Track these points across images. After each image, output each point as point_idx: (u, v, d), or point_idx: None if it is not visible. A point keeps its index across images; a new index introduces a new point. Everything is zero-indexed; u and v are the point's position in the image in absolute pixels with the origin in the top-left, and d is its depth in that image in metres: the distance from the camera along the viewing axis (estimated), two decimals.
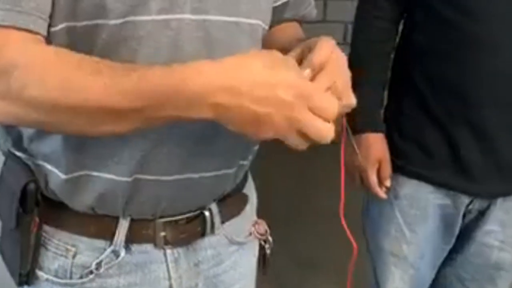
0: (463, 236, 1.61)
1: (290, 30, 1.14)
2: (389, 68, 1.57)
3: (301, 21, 1.20)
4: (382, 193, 1.58)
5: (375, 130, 1.56)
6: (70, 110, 0.83)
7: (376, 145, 1.56)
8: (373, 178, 1.57)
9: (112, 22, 0.89)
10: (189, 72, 0.81)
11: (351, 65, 1.57)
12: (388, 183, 1.58)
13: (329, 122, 0.83)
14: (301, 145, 0.84)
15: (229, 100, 0.80)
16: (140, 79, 0.81)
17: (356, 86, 1.51)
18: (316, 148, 0.88)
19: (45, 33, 0.89)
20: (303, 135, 0.82)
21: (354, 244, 0.96)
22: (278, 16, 1.10)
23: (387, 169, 1.57)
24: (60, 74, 0.83)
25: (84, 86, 0.82)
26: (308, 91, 0.82)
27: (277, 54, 0.83)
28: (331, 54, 0.88)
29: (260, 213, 1.20)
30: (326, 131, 0.83)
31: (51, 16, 0.89)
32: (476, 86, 1.44)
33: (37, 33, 0.87)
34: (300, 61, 0.88)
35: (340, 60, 0.91)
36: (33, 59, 0.84)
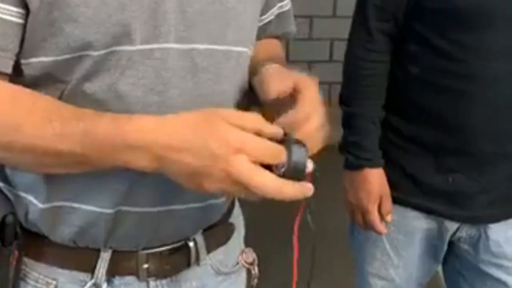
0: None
1: (267, 47, 1.13)
2: (385, 101, 1.54)
3: (281, 38, 1.20)
4: (384, 229, 1.55)
5: (375, 166, 1.53)
6: (19, 153, 0.87)
7: (376, 181, 1.52)
8: (375, 216, 1.53)
9: (96, 53, 0.88)
10: (131, 127, 0.83)
11: (346, 100, 1.56)
12: (389, 218, 1.54)
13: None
14: (252, 197, 0.82)
15: (167, 154, 0.81)
16: (87, 130, 0.83)
17: (352, 120, 1.52)
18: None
19: (6, 70, 0.88)
20: (246, 188, 0.80)
21: None
22: (259, 34, 1.09)
23: (388, 204, 1.54)
24: (11, 119, 0.85)
25: (33, 133, 0.84)
26: (240, 142, 0.80)
27: (218, 113, 0.83)
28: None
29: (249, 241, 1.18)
30: (269, 183, 0.80)
31: (21, 51, 0.88)
32: (468, 117, 1.44)
33: None
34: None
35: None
36: None
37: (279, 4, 1.14)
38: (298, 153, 0.82)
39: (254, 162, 0.79)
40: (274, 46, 1.16)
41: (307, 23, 3.62)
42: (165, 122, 0.83)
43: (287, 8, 1.17)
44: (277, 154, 0.81)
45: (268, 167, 0.81)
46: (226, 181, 0.80)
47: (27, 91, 0.88)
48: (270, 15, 1.12)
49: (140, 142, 0.82)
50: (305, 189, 0.82)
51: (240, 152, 0.79)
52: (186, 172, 0.82)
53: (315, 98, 0.89)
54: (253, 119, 0.84)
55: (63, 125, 0.84)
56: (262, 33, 1.10)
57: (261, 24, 1.09)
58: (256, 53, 1.05)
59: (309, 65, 3.62)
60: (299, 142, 0.83)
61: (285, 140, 0.83)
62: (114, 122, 0.83)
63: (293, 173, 0.81)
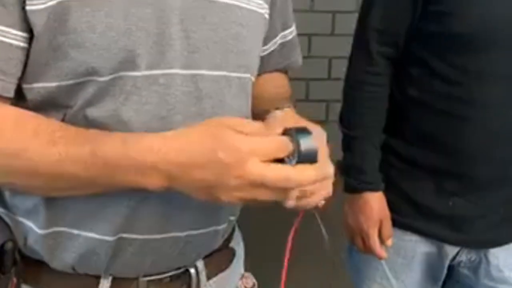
0: None
1: (271, 84, 1.13)
2: (385, 124, 1.54)
3: (286, 71, 1.20)
4: (384, 254, 1.53)
5: (375, 189, 1.52)
6: (26, 178, 0.86)
7: (376, 205, 1.51)
8: (375, 240, 1.52)
9: (101, 79, 0.87)
10: (139, 148, 0.82)
11: (346, 123, 1.56)
12: (390, 242, 1.53)
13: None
14: (274, 197, 0.82)
15: (178, 172, 0.81)
16: (93, 151, 0.82)
17: (353, 144, 1.51)
18: None
19: (8, 94, 0.88)
20: (267, 187, 0.80)
21: None
22: (263, 66, 1.09)
23: (388, 228, 1.52)
24: (16, 145, 0.84)
25: (38, 156, 0.83)
26: (250, 147, 0.80)
27: (223, 122, 0.83)
28: None
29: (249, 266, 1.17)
30: (287, 172, 0.80)
31: (24, 76, 0.88)
32: (467, 141, 1.43)
33: None
34: None
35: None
36: None
37: (282, 33, 1.14)
38: (305, 141, 0.82)
39: (266, 162, 0.80)
40: (281, 81, 1.16)
41: (306, 41, 3.62)
42: (172, 139, 0.83)
43: (291, 37, 1.16)
44: (284, 145, 0.81)
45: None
46: (243, 187, 0.80)
47: (31, 114, 0.87)
48: (272, 45, 1.12)
49: (149, 163, 0.81)
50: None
51: (251, 156, 0.79)
52: (199, 187, 0.82)
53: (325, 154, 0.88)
54: (255, 125, 0.85)
55: (69, 148, 0.83)
56: (266, 64, 1.09)
57: (264, 54, 1.08)
58: (264, 90, 1.05)
59: (307, 83, 3.63)
60: (302, 130, 0.83)
61: (287, 133, 0.83)
62: (122, 143, 0.83)
63: (306, 161, 0.82)
